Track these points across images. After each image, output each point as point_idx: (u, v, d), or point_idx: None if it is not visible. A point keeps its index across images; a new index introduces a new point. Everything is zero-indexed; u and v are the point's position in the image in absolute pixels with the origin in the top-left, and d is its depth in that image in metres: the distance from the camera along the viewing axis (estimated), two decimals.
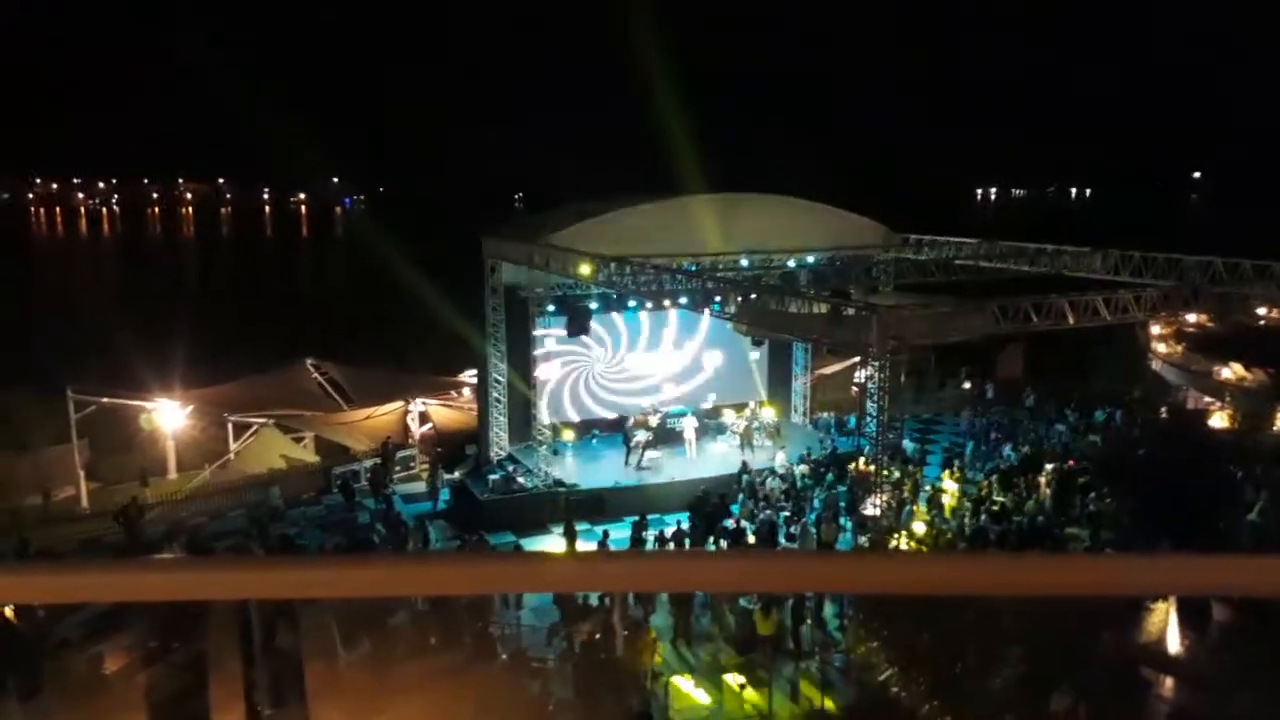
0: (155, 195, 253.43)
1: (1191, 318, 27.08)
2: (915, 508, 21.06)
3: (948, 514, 21.20)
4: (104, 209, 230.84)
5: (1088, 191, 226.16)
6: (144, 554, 19.69)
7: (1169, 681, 14.56)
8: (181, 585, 1.17)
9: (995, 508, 21.10)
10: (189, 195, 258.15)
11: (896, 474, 21.46)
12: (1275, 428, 26.53)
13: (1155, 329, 30.82)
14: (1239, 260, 20.41)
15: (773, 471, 23.60)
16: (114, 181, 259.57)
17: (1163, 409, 28.79)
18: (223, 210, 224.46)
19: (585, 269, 22.34)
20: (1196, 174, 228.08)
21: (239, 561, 1.13)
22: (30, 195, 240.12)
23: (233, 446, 25.49)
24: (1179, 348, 31.30)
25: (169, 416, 24.71)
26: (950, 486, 23.13)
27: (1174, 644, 14.98)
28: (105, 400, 24.07)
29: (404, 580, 1.09)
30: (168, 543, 19.54)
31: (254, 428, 25.68)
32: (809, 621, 17.04)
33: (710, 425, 27.03)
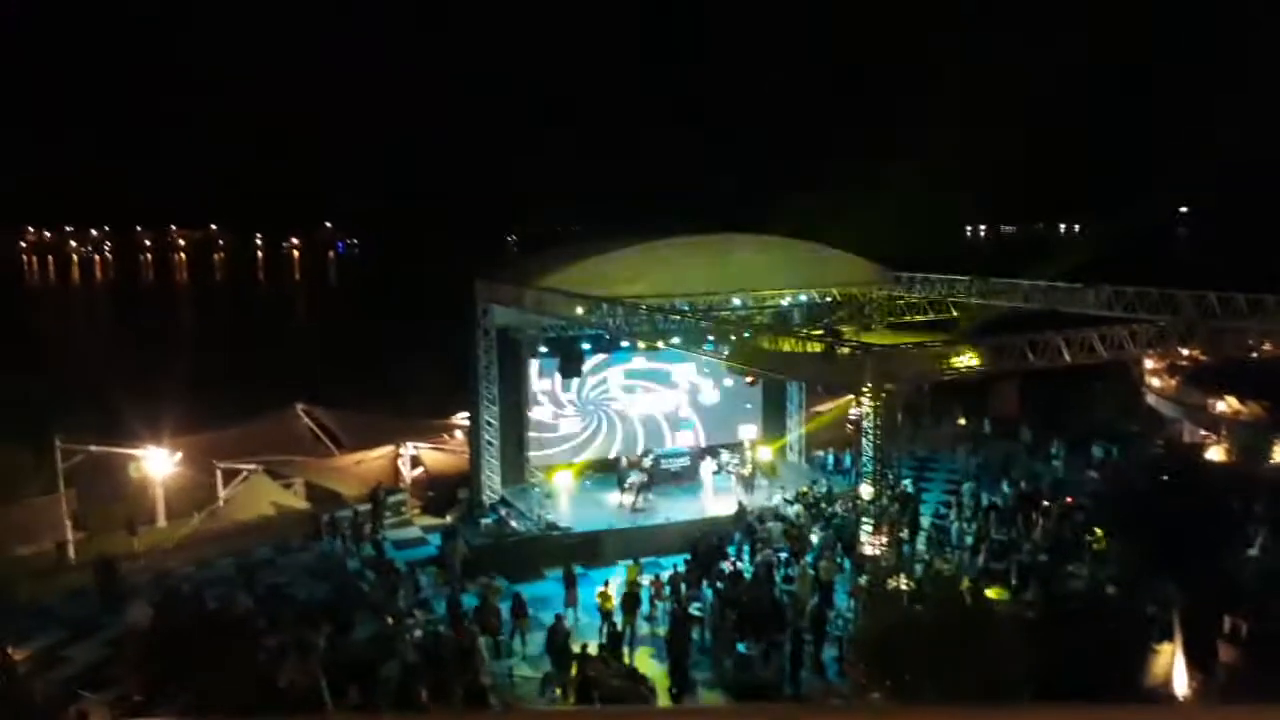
0: (148, 243, 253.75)
1: (1185, 351, 27.00)
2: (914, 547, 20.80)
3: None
4: (97, 257, 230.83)
5: (1076, 227, 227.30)
6: (117, 606, 19.22)
7: None
8: None
9: (996, 547, 20.89)
10: (181, 242, 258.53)
11: (894, 510, 21.22)
12: (1272, 460, 26.42)
13: (1149, 363, 30.73)
14: (1232, 294, 20.33)
15: (775, 514, 23.33)
16: (106, 229, 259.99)
17: (1159, 443, 28.67)
18: (216, 256, 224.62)
19: (578, 311, 22.23)
20: (1183, 209, 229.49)
21: None
22: (22, 244, 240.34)
23: (222, 494, 25.17)
24: (1173, 381, 31.20)
25: (158, 464, 24.37)
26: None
27: (1180, 685, 14.70)
28: (94, 448, 23.73)
29: None
30: (139, 596, 19.03)
31: (243, 474, 25.36)
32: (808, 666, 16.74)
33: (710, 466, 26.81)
